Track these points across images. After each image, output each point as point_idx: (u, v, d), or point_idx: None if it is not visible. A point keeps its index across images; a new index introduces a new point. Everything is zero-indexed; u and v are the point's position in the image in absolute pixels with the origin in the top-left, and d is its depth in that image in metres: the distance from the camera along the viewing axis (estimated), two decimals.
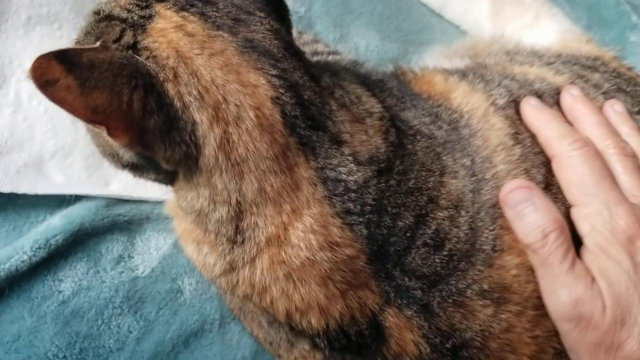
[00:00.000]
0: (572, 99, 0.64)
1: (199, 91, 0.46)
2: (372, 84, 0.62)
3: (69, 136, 0.68)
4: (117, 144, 0.47)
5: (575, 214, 0.55)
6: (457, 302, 0.51)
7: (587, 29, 1.03)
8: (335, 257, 0.48)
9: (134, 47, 0.46)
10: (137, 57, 0.45)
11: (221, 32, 0.48)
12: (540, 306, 0.52)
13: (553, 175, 0.57)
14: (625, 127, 0.63)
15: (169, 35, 0.47)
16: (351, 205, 0.49)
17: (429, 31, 0.94)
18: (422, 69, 0.71)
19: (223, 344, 0.65)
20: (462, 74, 0.69)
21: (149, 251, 0.67)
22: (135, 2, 0.49)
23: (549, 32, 0.85)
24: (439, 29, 0.94)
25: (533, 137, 0.60)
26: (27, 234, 0.62)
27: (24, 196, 0.63)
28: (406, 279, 0.50)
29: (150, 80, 0.45)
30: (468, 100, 0.63)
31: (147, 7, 0.48)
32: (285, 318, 0.52)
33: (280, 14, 0.53)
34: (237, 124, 0.46)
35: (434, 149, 0.57)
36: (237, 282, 0.51)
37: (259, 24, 0.49)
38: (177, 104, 0.46)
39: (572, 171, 0.56)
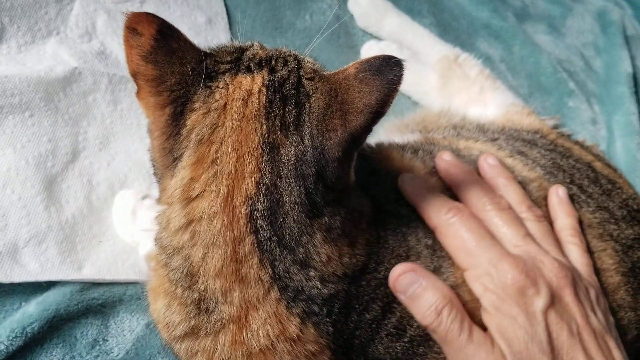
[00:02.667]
0: (445, 164, 0.68)
1: (203, 138, 0.51)
2: None
3: (43, 222, 0.70)
4: (146, 112, 0.54)
5: (468, 277, 0.58)
6: None
7: (528, 96, 1.12)
8: (296, 350, 0.52)
9: (216, 74, 0.53)
10: (201, 81, 0.52)
11: (262, 123, 0.51)
12: None
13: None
14: (501, 179, 0.68)
15: (236, 92, 0.52)
16: (316, 308, 0.53)
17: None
18: (378, 144, 0.76)
19: None
20: (414, 150, 0.74)
21: (122, 333, 0.69)
22: (252, 58, 0.55)
23: (493, 105, 0.92)
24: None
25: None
26: (3, 322, 0.63)
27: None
28: None
29: (187, 101, 0.52)
30: None
31: (255, 67, 0.54)
32: None
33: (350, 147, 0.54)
34: (208, 184, 0.50)
35: (400, 229, 0.61)
36: (197, 352, 0.54)
37: (299, 142, 0.51)
38: (184, 131, 0.52)
39: (454, 237, 0.60)
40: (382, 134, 0.89)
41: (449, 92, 0.97)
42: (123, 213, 0.73)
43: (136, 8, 0.91)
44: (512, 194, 0.67)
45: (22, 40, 0.81)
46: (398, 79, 0.52)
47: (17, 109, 0.73)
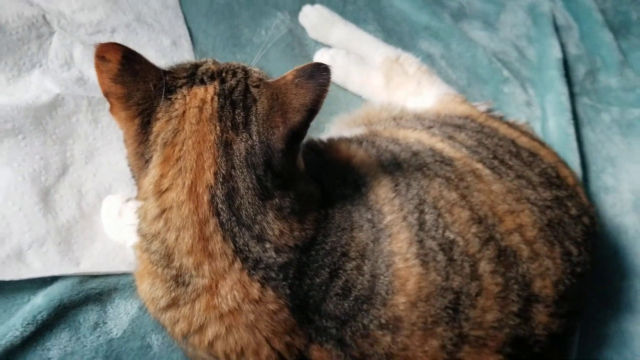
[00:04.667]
0: None
1: (167, 141, 0.63)
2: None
3: (42, 228, 0.81)
4: (119, 125, 0.66)
5: None
6: (363, 334, 0.66)
7: (467, 86, 1.25)
8: (259, 310, 0.63)
9: (175, 88, 0.65)
10: (162, 95, 0.64)
11: (216, 125, 0.63)
12: (425, 329, 0.67)
13: (425, 214, 0.74)
14: None
15: (192, 101, 0.64)
16: (273, 274, 0.64)
17: (336, 103, 1.13)
18: (329, 139, 0.88)
19: None
20: (359, 141, 0.87)
21: (119, 316, 0.80)
22: (205, 72, 0.67)
23: (429, 96, 1.05)
24: (344, 100, 1.14)
25: (407, 185, 0.77)
26: (16, 314, 0.75)
27: (9, 282, 0.76)
28: (323, 321, 0.66)
29: (152, 112, 0.64)
30: (363, 163, 0.81)
31: (208, 79, 0.66)
32: (226, 359, 0.65)
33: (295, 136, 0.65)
34: (174, 178, 0.62)
35: (346, 206, 0.73)
36: (178, 319, 0.65)
37: (247, 138, 0.63)
38: (152, 137, 0.63)
39: None
40: (334, 130, 1.01)
41: (391, 89, 1.10)
42: (110, 215, 0.85)
43: (107, 37, 1.03)
44: None
45: (9, 74, 0.92)
46: (327, 81, 0.64)
47: (11, 133, 0.85)
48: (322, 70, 0.64)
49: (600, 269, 1.08)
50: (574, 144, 1.17)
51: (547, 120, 1.22)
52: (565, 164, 0.97)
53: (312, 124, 1.01)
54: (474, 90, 1.24)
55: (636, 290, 1.08)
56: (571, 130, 1.19)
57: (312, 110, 0.64)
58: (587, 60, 1.42)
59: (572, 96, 1.32)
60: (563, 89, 1.25)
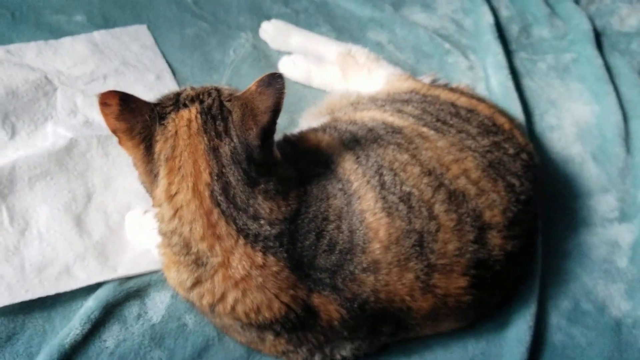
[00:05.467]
0: None
1: (168, 156, 0.80)
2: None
3: (81, 246, 0.99)
4: (128, 153, 0.83)
5: None
6: (351, 279, 0.83)
7: (416, 63, 1.43)
8: (265, 272, 0.80)
9: (165, 115, 0.81)
10: (156, 122, 0.81)
11: (203, 136, 0.80)
12: (399, 265, 0.83)
13: (384, 176, 0.89)
14: None
15: (181, 121, 0.81)
16: (270, 243, 0.80)
17: (304, 100, 1.30)
18: (300, 132, 1.05)
19: (225, 351, 0.96)
20: (324, 129, 1.04)
21: (156, 305, 0.98)
22: (186, 97, 0.83)
23: (379, 79, 1.22)
24: (310, 96, 1.31)
25: (367, 156, 0.93)
26: (74, 316, 0.93)
27: (64, 294, 0.94)
28: (318, 273, 0.82)
29: (152, 137, 0.81)
30: (329, 145, 0.97)
31: (189, 102, 0.83)
32: (247, 319, 0.82)
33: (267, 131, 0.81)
34: (180, 183, 0.79)
35: (320, 182, 0.90)
36: (203, 294, 0.82)
37: (230, 142, 0.80)
38: (155, 155, 0.80)
39: None
40: (304, 123, 1.18)
41: (348, 79, 1.27)
42: (134, 227, 1.03)
43: (101, 83, 1.21)
44: None
45: (28, 129, 1.11)
46: (282, 86, 0.81)
47: (40, 177, 1.04)
48: (277, 78, 0.81)
49: (556, 193, 1.25)
50: (514, 95, 1.34)
51: (489, 79, 1.39)
52: (502, 113, 1.13)
53: (288, 121, 1.19)
54: (422, 65, 1.42)
55: (588, 207, 1.24)
56: (510, 83, 1.36)
57: (276, 110, 0.81)
58: (519, 19, 1.60)
59: (510, 54, 1.49)
60: (499, 49, 1.43)
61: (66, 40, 1.26)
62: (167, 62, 1.32)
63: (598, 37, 1.60)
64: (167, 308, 0.98)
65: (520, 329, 1.02)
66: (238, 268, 0.79)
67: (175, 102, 0.84)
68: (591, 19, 1.63)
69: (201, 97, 0.84)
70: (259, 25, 1.42)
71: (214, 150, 0.80)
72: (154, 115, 0.81)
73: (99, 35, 1.30)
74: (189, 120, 0.81)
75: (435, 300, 0.86)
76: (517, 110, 1.31)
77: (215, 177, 0.79)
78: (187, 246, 0.80)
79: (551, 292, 1.11)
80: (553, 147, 1.34)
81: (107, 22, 1.34)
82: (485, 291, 0.92)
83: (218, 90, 0.85)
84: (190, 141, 0.80)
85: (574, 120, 1.39)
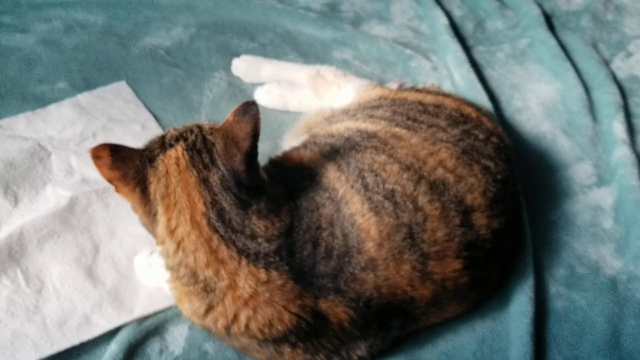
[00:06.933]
0: None
1: (164, 195, 0.85)
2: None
3: (96, 295, 1.05)
4: (126, 199, 0.88)
5: None
6: (352, 279, 0.87)
7: (382, 73, 1.51)
8: (270, 287, 0.84)
9: (154, 157, 0.87)
10: (147, 165, 0.86)
11: (192, 170, 0.85)
12: (395, 259, 0.87)
13: (366, 178, 0.95)
14: None
15: (169, 161, 0.86)
16: (271, 259, 0.85)
17: (285, 124, 1.37)
18: (283, 153, 1.11)
19: None
20: (305, 146, 1.10)
21: (176, 339, 1.03)
22: (171, 138, 0.88)
23: (349, 91, 1.29)
24: (289, 120, 1.38)
25: (347, 163, 0.99)
26: None
27: (87, 342, 0.99)
28: (320, 280, 0.87)
29: (145, 180, 0.86)
30: (312, 160, 1.03)
31: (174, 142, 0.88)
32: (262, 335, 0.86)
33: (249, 157, 0.86)
34: (178, 217, 0.85)
35: (308, 194, 0.95)
36: (217, 318, 0.86)
37: (217, 171, 0.85)
38: (151, 196, 0.85)
39: None
40: (286, 144, 1.24)
41: (321, 97, 1.34)
42: (142, 268, 1.08)
43: (91, 141, 1.28)
44: None
45: (29, 195, 1.17)
46: (256, 112, 0.87)
47: (48, 237, 1.09)
48: (250, 105, 0.88)
49: (534, 170, 1.31)
50: (479, 86, 1.42)
51: (453, 76, 1.47)
52: (468, 104, 1.20)
53: (272, 146, 1.25)
54: (388, 74, 1.50)
55: (566, 178, 1.31)
56: (473, 76, 1.44)
57: (255, 135, 0.87)
58: (472, 16, 1.69)
59: (469, 49, 1.58)
60: (457, 47, 1.51)
61: (53, 107, 1.34)
62: (150, 111, 1.39)
63: (549, 20, 1.70)
64: (187, 340, 1.03)
65: (522, 302, 1.06)
66: (245, 287, 0.83)
67: (162, 144, 0.89)
68: (539, 5, 1.73)
69: (184, 135, 0.89)
70: (230, 63, 1.50)
71: (204, 181, 0.85)
72: (144, 159, 0.86)
73: (82, 97, 1.38)
74: (177, 158, 0.86)
75: (435, 286, 0.91)
76: (484, 100, 1.38)
77: (210, 206, 0.84)
78: (194, 275, 0.85)
79: (546, 262, 1.15)
80: (524, 127, 1.41)
81: (88, 85, 1.42)
82: (480, 270, 0.96)
83: (199, 126, 0.91)
84: (181, 177, 0.85)
85: (539, 100, 1.47)
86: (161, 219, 0.86)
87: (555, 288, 1.12)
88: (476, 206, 0.97)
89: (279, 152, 1.15)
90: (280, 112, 1.41)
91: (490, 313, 1.07)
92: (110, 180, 0.87)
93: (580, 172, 1.32)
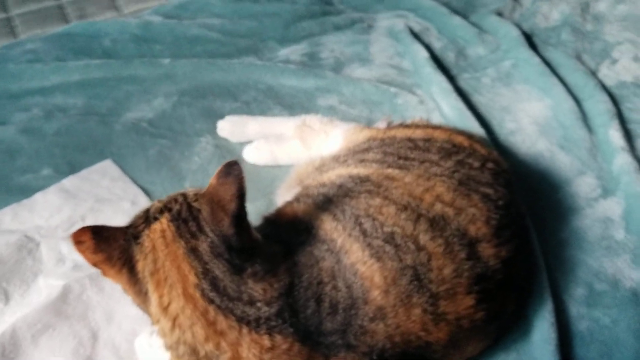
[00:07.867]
0: None
1: (152, 271, 0.81)
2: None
3: None
4: (114, 281, 0.84)
5: None
6: (362, 332, 0.83)
7: (370, 113, 1.49)
8: (276, 353, 0.80)
9: (139, 233, 0.83)
10: (132, 243, 0.82)
11: (180, 241, 0.82)
12: (404, 304, 0.83)
13: (364, 224, 0.91)
14: None
15: (155, 235, 0.83)
16: (273, 322, 0.81)
17: (277, 179, 1.33)
18: (276, 209, 1.08)
19: None
20: (297, 199, 1.07)
21: None
22: (155, 211, 0.85)
23: (336, 137, 1.27)
24: (281, 175, 1.34)
25: (342, 211, 0.96)
26: None
27: None
28: (328, 338, 0.82)
29: (132, 258, 0.82)
30: (306, 213, 1.00)
31: (159, 214, 0.85)
32: None
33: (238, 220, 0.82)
34: (170, 293, 0.80)
35: (306, 249, 0.91)
36: None
37: (206, 238, 0.82)
38: (140, 274, 0.82)
39: None
40: (279, 199, 1.21)
41: (309, 147, 1.32)
42: (144, 350, 1.03)
43: (80, 224, 1.22)
44: None
45: (20, 290, 1.13)
46: (240, 171, 0.85)
47: (42, 331, 1.05)
48: (233, 165, 0.85)
49: (536, 190, 1.27)
50: (468, 113, 1.39)
51: (441, 107, 1.45)
52: (458, 133, 1.17)
53: (266, 204, 1.22)
54: (376, 114, 1.47)
55: (571, 194, 1.26)
56: (461, 104, 1.41)
57: (241, 195, 0.84)
58: (452, 45, 1.68)
59: (453, 78, 1.56)
60: (441, 77, 1.49)
61: (38, 196, 1.31)
62: (139, 185, 1.36)
63: (529, 39, 1.69)
64: None
65: (543, 329, 1.01)
66: (249, 357, 0.79)
67: (146, 218, 0.86)
68: (518, 25, 1.72)
69: (169, 205, 0.87)
70: (215, 126, 1.48)
71: (194, 251, 0.82)
72: (128, 237, 0.84)
73: (68, 181, 1.35)
74: (163, 231, 0.83)
75: (450, 327, 0.86)
76: (475, 126, 1.35)
77: (202, 276, 0.80)
78: (194, 352, 0.80)
79: (562, 284, 1.10)
80: (519, 148, 1.37)
81: (73, 168, 1.39)
82: (495, 302, 0.92)
83: (184, 194, 0.89)
84: (169, 250, 0.82)
85: (531, 119, 1.44)
86: (153, 296, 0.82)
87: (576, 309, 1.07)
88: (481, 236, 0.93)
89: (273, 209, 1.12)
90: (272, 168, 1.38)
91: (513, 345, 1.02)
92: (95, 265, 0.83)
93: (583, 185, 1.28)
